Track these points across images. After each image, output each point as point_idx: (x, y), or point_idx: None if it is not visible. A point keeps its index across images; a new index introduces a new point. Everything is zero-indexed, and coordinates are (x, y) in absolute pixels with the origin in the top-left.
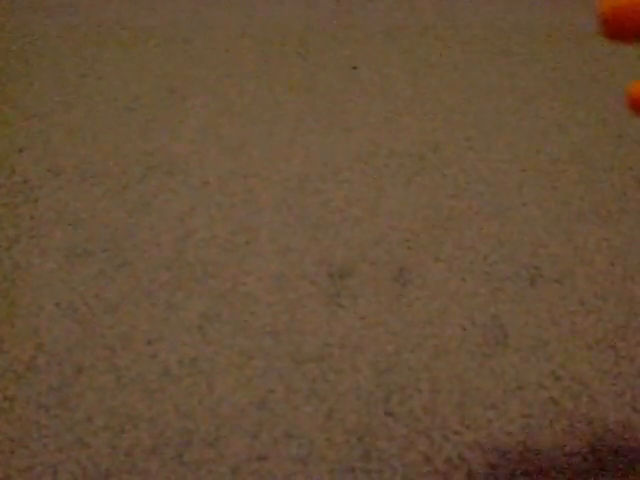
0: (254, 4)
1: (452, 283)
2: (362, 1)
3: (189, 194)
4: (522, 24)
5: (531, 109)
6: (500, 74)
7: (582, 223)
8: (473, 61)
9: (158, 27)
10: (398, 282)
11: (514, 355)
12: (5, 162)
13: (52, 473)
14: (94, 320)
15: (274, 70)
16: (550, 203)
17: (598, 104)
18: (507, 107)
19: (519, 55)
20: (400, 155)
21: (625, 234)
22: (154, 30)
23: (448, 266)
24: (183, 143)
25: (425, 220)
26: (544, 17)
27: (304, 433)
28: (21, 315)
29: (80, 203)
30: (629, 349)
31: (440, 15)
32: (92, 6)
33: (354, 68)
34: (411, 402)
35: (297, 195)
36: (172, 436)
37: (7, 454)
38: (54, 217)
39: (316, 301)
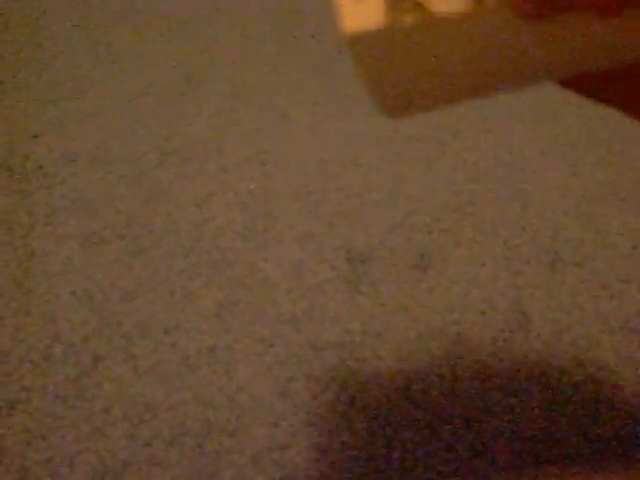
0: None
1: (472, 268)
2: None
3: (206, 180)
4: None
5: (550, 92)
6: None
7: (603, 207)
8: None
9: (173, 11)
10: (418, 267)
11: (536, 340)
12: (20, 149)
13: (70, 464)
14: (111, 308)
15: (291, 54)
16: (570, 187)
17: None
18: (525, 91)
19: None
20: (420, 140)
21: None
22: (169, 14)
23: (468, 251)
24: (199, 129)
25: (445, 205)
26: None
27: (325, 421)
28: (37, 304)
29: (95, 190)
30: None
31: None
32: None
33: None
34: (432, 389)
35: (315, 180)
36: (191, 426)
37: (24, 445)
38: (69, 204)
39: (336, 287)
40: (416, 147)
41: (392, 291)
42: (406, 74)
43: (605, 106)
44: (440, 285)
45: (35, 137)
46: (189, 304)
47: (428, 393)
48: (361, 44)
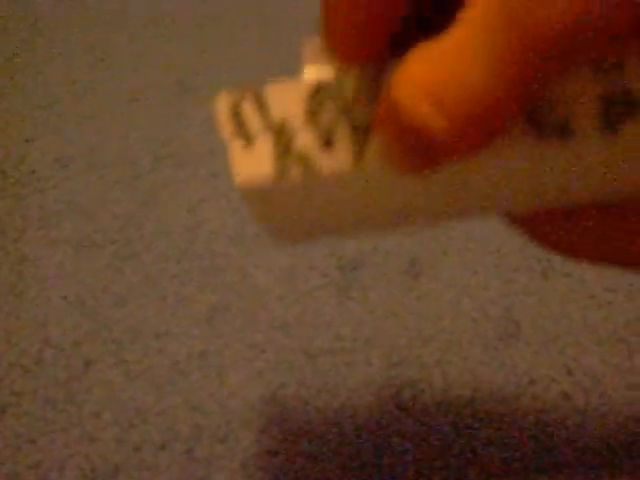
0: None
1: (463, 275)
2: None
3: (199, 185)
4: None
5: None
6: None
7: None
8: None
9: (168, 16)
10: (409, 274)
11: (526, 348)
12: (13, 152)
13: (60, 468)
14: (102, 313)
15: (286, 61)
16: None
17: None
18: None
19: None
20: None
21: None
22: (164, 19)
23: (459, 258)
24: (193, 133)
25: None
26: None
27: (315, 428)
28: (28, 308)
29: (89, 194)
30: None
31: None
32: None
33: None
34: (423, 396)
35: None
36: (181, 431)
37: (14, 449)
38: (62, 208)
39: (327, 294)
40: None
41: (383, 297)
42: (294, 223)
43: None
44: (431, 292)
45: (29, 141)
46: (181, 309)
47: (418, 400)
48: (251, 192)
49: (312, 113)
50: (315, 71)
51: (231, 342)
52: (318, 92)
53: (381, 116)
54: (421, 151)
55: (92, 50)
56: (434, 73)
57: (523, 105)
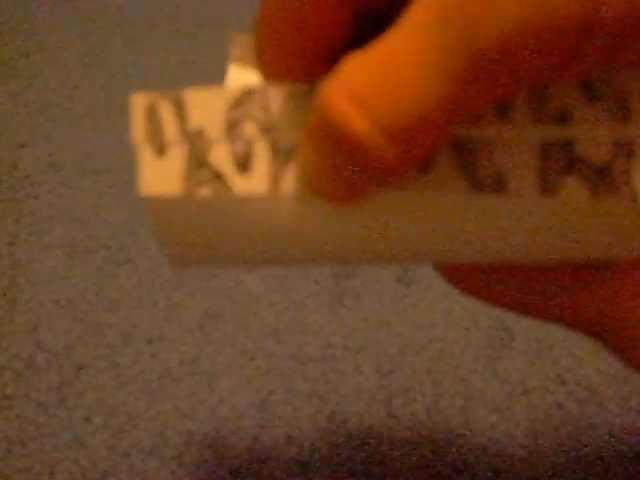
0: None
1: None
2: None
3: None
4: None
5: None
6: None
7: None
8: None
9: (163, 22)
10: (402, 283)
11: (519, 358)
12: (7, 157)
13: (50, 473)
14: (94, 318)
15: None
16: None
17: None
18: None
19: None
20: None
21: None
22: (158, 23)
23: None
24: None
25: None
26: None
27: (305, 435)
28: (20, 312)
29: (82, 199)
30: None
31: None
32: None
33: None
34: (414, 405)
35: None
36: (172, 436)
37: (5, 453)
38: (55, 213)
39: (319, 301)
40: None
41: (375, 306)
42: (198, 243)
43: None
44: (423, 300)
45: (23, 146)
46: (173, 315)
47: (409, 409)
48: (156, 205)
49: (232, 125)
50: (241, 73)
51: (222, 348)
52: (241, 103)
53: (309, 128)
54: (345, 168)
55: (86, 55)
56: (364, 76)
57: (456, 119)
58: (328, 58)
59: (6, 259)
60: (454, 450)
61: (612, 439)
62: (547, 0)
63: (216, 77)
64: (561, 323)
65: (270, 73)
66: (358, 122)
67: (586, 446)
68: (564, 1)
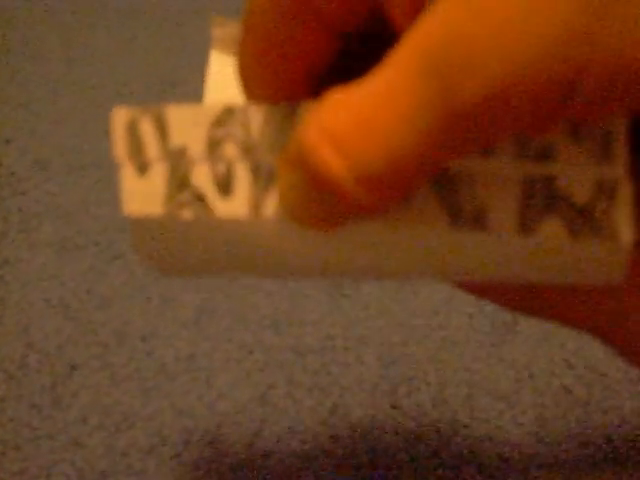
0: None
1: None
2: None
3: None
4: None
5: None
6: None
7: None
8: None
9: (147, 12)
10: None
11: (524, 343)
12: None
13: (46, 475)
14: (86, 316)
15: None
16: None
17: None
18: None
19: None
20: None
21: None
22: (143, 13)
23: None
24: None
25: None
26: None
27: (307, 428)
28: (10, 313)
29: (69, 195)
30: None
31: None
32: None
33: None
34: (418, 394)
35: None
36: (170, 435)
37: None
38: (43, 210)
39: (318, 291)
40: None
41: (376, 294)
42: (180, 260)
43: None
44: (425, 287)
45: (7, 142)
46: (167, 310)
47: (413, 398)
48: (139, 224)
49: (213, 145)
50: (222, 63)
51: (219, 343)
52: (222, 122)
53: (287, 159)
54: (322, 201)
55: (70, 48)
56: (344, 118)
57: (434, 168)
58: (311, 81)
59: None
60: (460, 439)
61: (622, 423)
62: (531, 60)
63: (202, 66)
64: (570, 325)
65: (252, 94)
66: (335, 166)
67: (595, 431)
68: (548, 62)
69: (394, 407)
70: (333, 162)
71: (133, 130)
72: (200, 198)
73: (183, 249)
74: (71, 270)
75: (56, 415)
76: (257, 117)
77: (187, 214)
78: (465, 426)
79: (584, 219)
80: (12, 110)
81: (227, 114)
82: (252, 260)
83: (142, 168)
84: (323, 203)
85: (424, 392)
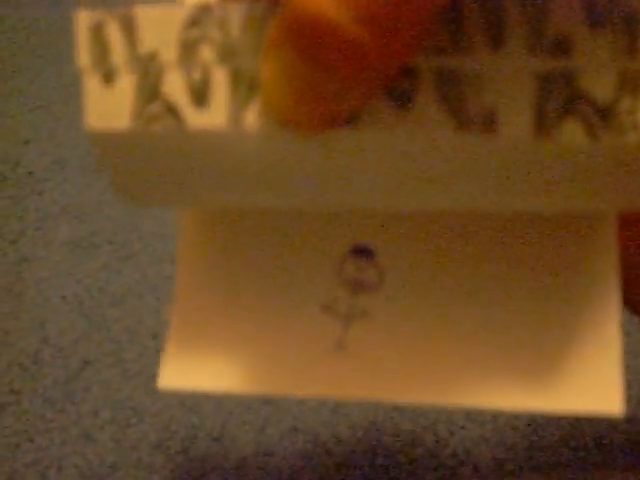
0: None
1: None
2: None
3: None
4: None
5: None
6: None
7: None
8: None
9: None
10: None
11: None
12: (11, 154)
13: (57, 467)
14: (100, 313)
15: None
16: None
17: None
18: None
19: None
20: None
21: None
22: None
23: None
24: None
25: None
26: None
27: (310, 428)
28: (26, 308)
29: (85, 196)
30: (634, 343)
31: None
32: None
33: None
34: None
35: None
36: (177, 430)
37: (13, 447)
38: (59, 210)
39: None
40: None
41: None
42: (151, 180)
43: None
44: None
45: (26, 143)
46: None
47: None
48: (103, 139)
49: (188, 49)
50: None
51: None
52: (197, 22)
53: (274, 36)
54: (319, 67)
55: None
56: None
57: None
58: None
59: (11, 256)
60: (457, 441)
61: (612, 428)
62: None
63: None
64: None
65: None
66: (332, 9)
67: (586, 436)
68: None
69: (394, 409)
70: (331, 5)
71: (98, 35)
72: (172, 109)
73: (154, 169)
74: (86, 268)
75: (69, 409)
76: (237, 16)
77: (157, 127)
78: (462, 428)
79: (606, 119)
80: (31, 112)
81: (203, 13)
82: (229, 180)
83: (108, 77)
84: (317, 76)
85: None
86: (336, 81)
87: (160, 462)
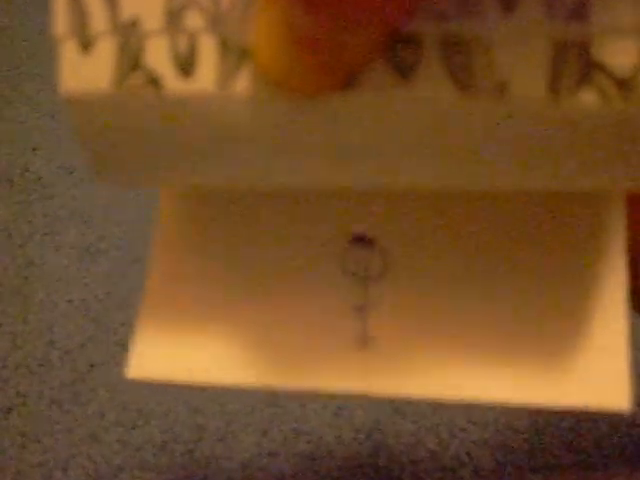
0: None
1: None
2: None
3: None
4: None
5: None
6: None
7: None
8: None
9: None
10: None
11: None
12: (19, 160)
13: (64, 468)
14: (106, 316)
15: None
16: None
17: None
18: None
19: None
20: None
21: None
22: None
23: None
24: None
25: None
26: None
27: (313, 430)
28: (34, 311)
29: (92, 201)
30: (634, 344)
31: None
32: None
33: None
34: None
35: None
36: (182, 432)
37: (20, 449)
38: (67, 215)
39: None
40: None
41: None
42: (132, 155)
43: None
44: None
45: (35, 149)
46: None
47: (413, 403)
48: (80, 107)
49: (173, 15)
50: None
51: None
52: None
53: None
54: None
55: None
56: None
57: None
58: None
59: (20, 260)
60: (458, 443)
61: (612, 430)
62: None
63: None
64: None
65: None
66: None
67: (586, 438)
68: None
69: (396, 411)
70: None
71: (76, 1)
72: (155, 80)
73: (135, 142)
74: (93, 272)
75: (75, 410)
76: None
77: (138, 95)
78: (463, 430)
79: (624, 89)
80: (40, 119)
81: None
82: (216, 154)
83: (86, 44)
84: (316, 28)
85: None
86: (338, 27)
87: (165, 463)
